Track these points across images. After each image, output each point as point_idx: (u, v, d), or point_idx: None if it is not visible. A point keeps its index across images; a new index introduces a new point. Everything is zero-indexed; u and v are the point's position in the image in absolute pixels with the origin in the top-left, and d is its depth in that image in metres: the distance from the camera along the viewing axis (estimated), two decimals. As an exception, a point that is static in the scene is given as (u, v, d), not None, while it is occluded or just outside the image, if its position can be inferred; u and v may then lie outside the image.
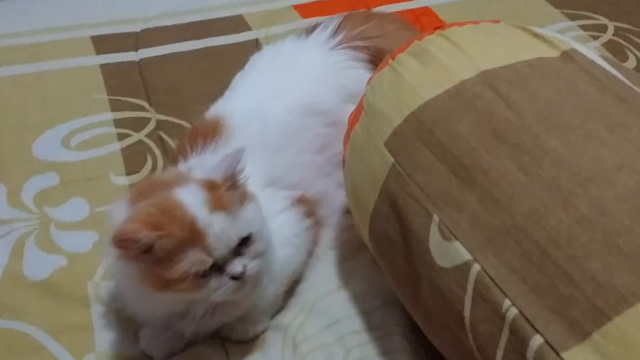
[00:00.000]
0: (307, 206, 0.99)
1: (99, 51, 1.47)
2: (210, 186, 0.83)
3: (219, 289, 0.82)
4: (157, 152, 1.22)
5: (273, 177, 0.98)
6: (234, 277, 0.82)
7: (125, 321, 0.94)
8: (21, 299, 0.98)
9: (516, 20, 1.55)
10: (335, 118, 1.08)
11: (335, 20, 1.16)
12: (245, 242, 0.84)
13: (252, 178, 0.89)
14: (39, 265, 1.03)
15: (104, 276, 1.01)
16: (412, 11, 1.59)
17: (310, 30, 1.16)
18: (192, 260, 0.80)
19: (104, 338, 0.94)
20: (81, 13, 1.60)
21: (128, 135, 1.26)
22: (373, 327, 0.92)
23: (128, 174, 1.18)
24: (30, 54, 1.46)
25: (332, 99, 1.09)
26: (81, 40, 1.50)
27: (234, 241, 0.82)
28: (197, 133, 0.99)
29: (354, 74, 1.12)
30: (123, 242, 0.78)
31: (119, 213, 0.84)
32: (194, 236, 0.80)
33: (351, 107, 1.11)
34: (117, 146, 1.24)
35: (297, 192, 0.99)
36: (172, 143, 1.23)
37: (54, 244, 1.06)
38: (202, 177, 0.84)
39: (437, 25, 1.51)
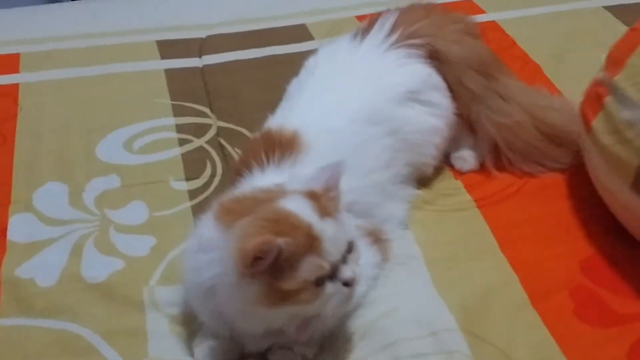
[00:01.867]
0: (374, 234, 0.98)
1: (164, 56, 1.48)
2: (313, 196, 0.83)
3: (334, 296, 0.82)
4: (217, 158, 1.22)
5: (348, 201, 0.93)
6: (346, 284, 0.82)
7: (178, 328, 0.94)
8: (77, 300, 0.99)
9: (584, 36, 1.52)
10: (393, 126, 1.06)
11: (391, 16, 1.14)
12: (349, 248, 0.84)
13: None
14: (97, 267, 1.03)
15: (159, 281, 1.01)
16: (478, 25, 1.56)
17: (367, 29, 1.15)
18: (312, 267, 0.80)
19: (157, 344, 0.93)
20: (148, 18, 1.63)
21: (189, 141, 1.26)
22: (430, 351, 0.89)
23: (187, 179, 1.18)
24: (97, 56, 1.49)
25: (389, 102, 1.07)
26: (147, 45, 1.52)
27: (344, 246, 0.83)
28: (274, 145, 0.98)
29: (409, 70, 1.10)
30: (262, 253, 0.77)
31: (207, 231, 0.84)
32: (311, 242, 0.80)
33: (408, 110, 1.08)
34: (177, 151, 1.24)
35: (367, 223, 0.98)
36: (231, 150, 1.23)
37: (112, 247, 1.07)
38: (302, 189, 0.84)
39: (503, 41, 1.49)
